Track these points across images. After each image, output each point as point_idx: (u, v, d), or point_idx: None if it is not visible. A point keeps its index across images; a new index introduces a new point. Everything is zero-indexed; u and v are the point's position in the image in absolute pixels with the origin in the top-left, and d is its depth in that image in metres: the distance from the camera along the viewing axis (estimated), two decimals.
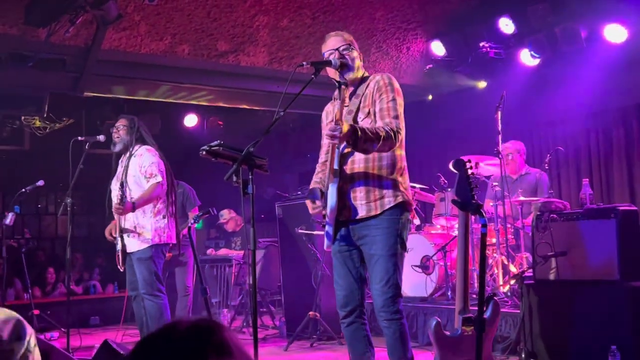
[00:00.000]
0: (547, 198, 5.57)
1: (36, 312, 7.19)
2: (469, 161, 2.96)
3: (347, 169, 3.49)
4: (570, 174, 7.65)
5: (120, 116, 5.43)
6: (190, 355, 1.06)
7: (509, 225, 5.99)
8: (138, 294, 5.06)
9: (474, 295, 5.44)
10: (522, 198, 5.95)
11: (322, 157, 3.84)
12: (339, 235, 3.60)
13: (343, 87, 3.31)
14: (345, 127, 3.14)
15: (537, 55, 7.19)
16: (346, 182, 3.48)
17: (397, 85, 3.54)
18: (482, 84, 8.08)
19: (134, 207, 4.97)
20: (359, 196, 3.47)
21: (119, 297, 8.45)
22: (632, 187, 7.07)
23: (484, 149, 6.69)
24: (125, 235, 5.04)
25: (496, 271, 5.87)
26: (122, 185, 4.98)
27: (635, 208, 4.56)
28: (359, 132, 3.18)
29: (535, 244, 4.72)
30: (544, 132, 7.96)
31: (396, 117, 3.42)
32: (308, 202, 3.64)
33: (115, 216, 5.09)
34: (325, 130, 3.80)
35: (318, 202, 3.56)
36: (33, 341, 1.71)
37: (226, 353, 1.08)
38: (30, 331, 1.70)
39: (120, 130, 5.25)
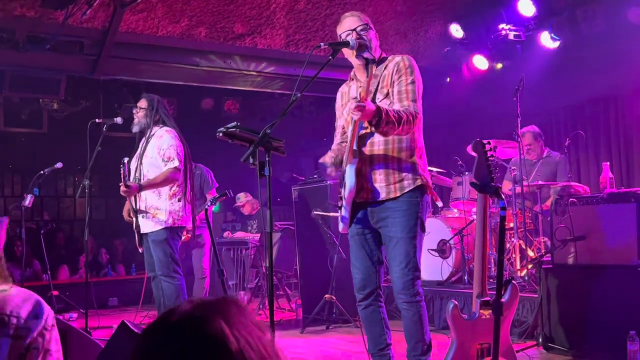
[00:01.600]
0: (566, 182, 5.52)
1: (55, 292, 7.27)
2: (488, 143, 2.93)
3: (366, 150, 3.47)
4: (589, 158, 7.57)
5: (142, 96, 5.37)
6: (180, 350, 1.04)
7: (527, 209, 5.94)
8: (156, 275, 5.08)
9: (491, 280, 5.41)
10: (540, 182, 5.89)
11: (338, 138, 3.81)
12: (356, 217, 3.59)
13: (371, 64, 3.27)
14: (370, 106, 3.12)
15: (557, 38, 7.10)
16: (365, 163, 3.46)
17: (416, 67, 3.51)
18: (500, 67, 7.99)
19: (140, 188, 4.95)
20: (378, 178, 3.46)
21: (137, 278, 8.52)
22: None
23: (502, 132, 6.63)
24: (140, 216, 5.03)
25: (514, 255, 5.84)
26: (124, 164, 4.92)
27: None
28: (383, 114, 3.16)
29: (554, 228, 4.68)
30: (564, 115, 7.87)
31: (414, 100, 3.40)
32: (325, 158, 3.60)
33: (128, 197, 5.08)
34: (340, 111, 3.78)
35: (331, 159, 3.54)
36: (51, 321, 1.72)
37: (221, 348, 1.04)
38: (48, 311, 1.71)
39: (139, 112, 5.23)
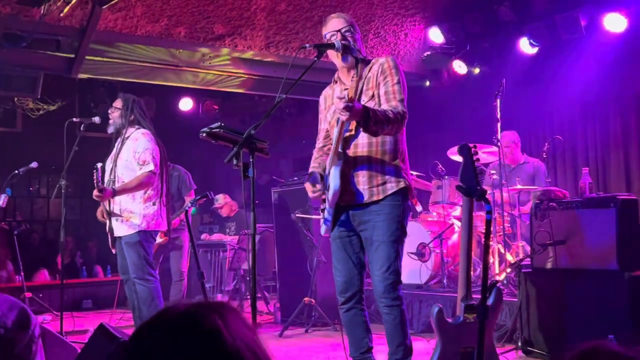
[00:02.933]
0: (546, 187, 5.56)
1: (28, 294, 7.14)
2: (475, 147, 2.93)
3: (350, 152, 3.46)
4: (566, 163, 7.65)
5: (118, 95, 5.29)
6: (177, 345, 1.02)
7: (505, 214, 5.97)
8: (129, 278, 5.00)
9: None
10: (519, 186, 5.93)
11: (320, 142, 3.80)
12: (339, 220, 3.57)
13: (361, 64, 3.25)
14: (358, 106, 3.11)
15: (536, 44, 7.16)
16: (349, 166, 3.45)
17: (401, 68, 3.52)
18: (477, 71, 8.04)
19: (114, 193, 4.86)
20: (361, 181, 3.45)
21: (112, 280, 8.41)
22: (629, 177, 7.08)
23: (481, 136, 6.66)
24: (113, 219, 4.95)
25: (492, 259, 5.86)
26: (97, 169, 4.86)
27: (634, 197, 4.54)
28: (371, 113, 3.15)
29: (533, 232, 4.70)
30: (542, 120, 7.94)
31: (402, 100, 3.41)
32: (308, 185, 3.61)
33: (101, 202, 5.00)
34: (323, 114, 3.76)
35: (318, 186, 3.54)
36: (38, 331, 1.64)
37: (216, 343, 1.03)
38: (35, 321, 1.63)
39: (114, 112, 5.15)
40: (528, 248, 5.45)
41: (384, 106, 3.38)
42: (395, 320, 3.39)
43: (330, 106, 3.67)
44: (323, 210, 3.61)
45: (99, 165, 4.90)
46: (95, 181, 4.77)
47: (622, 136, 7.17)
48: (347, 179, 3.45)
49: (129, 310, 5.97)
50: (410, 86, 3.57)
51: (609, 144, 7.26)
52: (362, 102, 3.42)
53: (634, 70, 6.87)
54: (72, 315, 6.35)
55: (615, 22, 6.49)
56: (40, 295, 7.83)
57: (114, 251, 5.10)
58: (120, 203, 4.95)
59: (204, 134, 3.21)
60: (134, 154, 4.95)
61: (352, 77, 3.47)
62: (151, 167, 4.91)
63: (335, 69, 3.68)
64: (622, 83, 7.03)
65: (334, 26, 3.54)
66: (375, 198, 3.43)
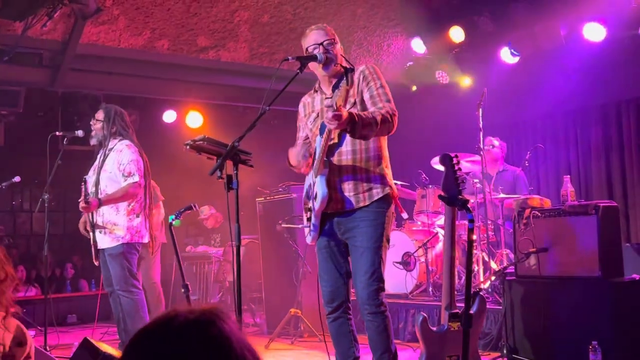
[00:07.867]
0: (527, 195, 5.60)
1: (12, 309, 7.05)
2: (456, 156, 2.96)
3: (335, 160, 3.48)
4: (548, 171, 7.71)
5: (100, 107, 5.26)
6: (184, 355, 1.03)
7: (489, 222, 6.01)
8: (113, 290, 4.98)
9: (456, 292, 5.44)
10: (502, 195, 5.97)
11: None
12: (323, 230, 3.58)
13: (350, 73, 3.24)
14: (345, 114, 3.12)
15: (517, 53, 7.23)
16: (333, 174, 3.47)
17: (380, 73, 3.56)
18: (462, 82, 8.10)
19: (99, 204, 4.86)
20: (347, 188, 3.47)
21: (96, 295, 8.34)
22: (610, 184, 7.15)
23: (464, 146, 6.70)
24: (97, 231, 4.94)
25: (476, 268, 5.89)
26: (86, 182, 4.86)
27: (615, 204, 4.59)
28: (356, 118, 3.17)
29: (517, 240, 4.74)
30: (524, 129, 8.02)
31: (388, 100, 3.44)
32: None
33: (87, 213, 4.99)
34: (303, 122, 3.78)
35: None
36: (32, 350, 1.66)
37: (224, 350, 1.04)
38: (30, 340, 1.65)
39: (96, 124, 5.14)
40: (512, 256, 5.49)
41: (371, 109, 3.41)
42: (379, 327, 3.39)
43: (311, 113, 3.70)
44: (309, 219, 3.63)
45: (87, 177, 4.90)
46: (83, 194, 4.77)
47: (602, 144, 7.25)
48: (333, 187, 3.47)
49: (112, 324, 5.92)
50: (393, 96, 3.58)
51: (590, 151, 7.33)
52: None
53: (613, 78, 6.96)
54: (56, 330, 6.29)
55: (594, 32, 6.58)
56: (24, 310, 7.73)
57: (96, 263, 5.08)
58: (103, 215, 4.94)
59: (188, 146, 3.22)
60: (118, 165, 4.96)
61: (339, 85, 3.48)
62: (136, 178, 4.93)
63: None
64: (603, 91, 7.11)
65: (315, 39, 3.56)
66: (362, 204, 3.45)
